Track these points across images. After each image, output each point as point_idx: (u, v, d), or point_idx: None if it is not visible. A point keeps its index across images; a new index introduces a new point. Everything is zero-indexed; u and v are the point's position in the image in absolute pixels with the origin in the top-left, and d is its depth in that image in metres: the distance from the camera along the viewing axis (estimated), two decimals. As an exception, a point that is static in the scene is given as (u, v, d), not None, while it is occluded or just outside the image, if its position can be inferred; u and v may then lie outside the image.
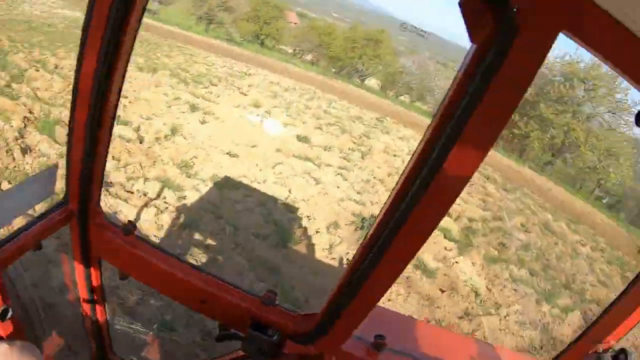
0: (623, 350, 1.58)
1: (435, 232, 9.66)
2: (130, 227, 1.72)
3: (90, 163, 1.55)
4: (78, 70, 1.37)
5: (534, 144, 28.00)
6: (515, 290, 9.18)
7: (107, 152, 1.62)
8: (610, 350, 1.63)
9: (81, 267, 1.89)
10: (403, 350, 1.84)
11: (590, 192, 28.74)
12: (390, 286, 1.40)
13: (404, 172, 1.23)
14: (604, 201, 29.38)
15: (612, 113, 27.71)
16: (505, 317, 8.08)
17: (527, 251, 11.31)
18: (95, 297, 2.03)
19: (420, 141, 1.18)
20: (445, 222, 10.50)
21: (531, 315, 8.66)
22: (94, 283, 1.96)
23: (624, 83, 26.41)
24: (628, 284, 1.57)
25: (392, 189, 1.27)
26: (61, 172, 1.68)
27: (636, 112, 1.09)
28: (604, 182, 27.94)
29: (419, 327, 2.34)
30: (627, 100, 26.87)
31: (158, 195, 7.27)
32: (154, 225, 6.41)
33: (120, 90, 1.46)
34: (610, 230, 19.99)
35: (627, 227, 23.69)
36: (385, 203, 1.30)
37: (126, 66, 1.40)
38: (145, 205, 6.84)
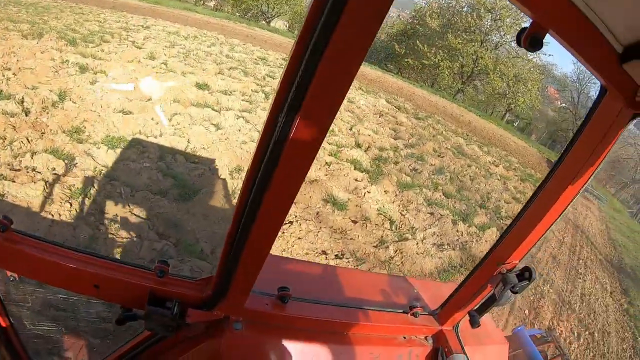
0: (527, 269, 1.67)
1: (345, 164, 9.51)
2: (5, 223, 1.48)
3: None
4: None
5: (444, 73, 28.69)
6: (430, 213, 9.28)
7: None
8: (514, 270, 1.73)
9: None
10: (309, 297, 1.86)
11: (501, 117, 30.23)
12: (276, 233, 1.31)
13: (268, 110, 1.11)
14: (515, 125, 31.12)
15: (520, 41, 28.80)
16: (422, 240, 8.15)
17: (441, 175, 11.45)
18: None
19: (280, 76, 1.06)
20: (355, 153, 10.30)
21: (448, 236, 8.81)
22: None
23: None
24: (524, 205, 1.66)
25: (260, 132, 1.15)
26: None
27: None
28: (514, 107, 29.43)
29: (324, 272, 2.41)
30: (535, 29, 27.78)
31: (47, 168, 6.49)
32: (44, 200, 5.78)
33: None
34: (522, 151, 21.15)
35: (538, 147, 25.31)
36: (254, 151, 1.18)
37: None
38: (34, 180, 6.10)
